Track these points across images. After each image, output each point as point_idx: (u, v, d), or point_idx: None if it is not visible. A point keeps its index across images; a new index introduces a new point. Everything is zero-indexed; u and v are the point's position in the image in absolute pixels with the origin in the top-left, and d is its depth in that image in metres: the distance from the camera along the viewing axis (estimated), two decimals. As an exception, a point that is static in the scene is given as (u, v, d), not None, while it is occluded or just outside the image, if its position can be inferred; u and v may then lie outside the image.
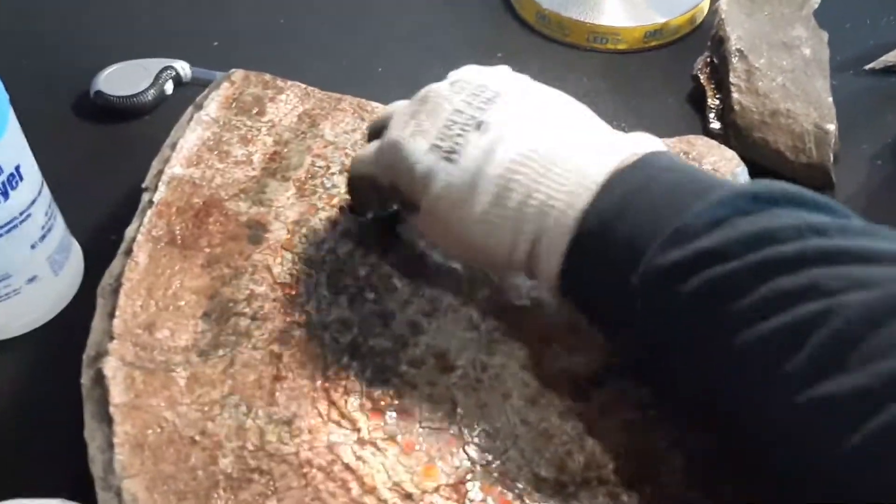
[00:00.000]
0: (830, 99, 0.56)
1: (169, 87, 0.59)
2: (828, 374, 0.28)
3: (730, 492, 0.36)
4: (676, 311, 0.32)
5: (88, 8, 0.67)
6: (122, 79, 0.59)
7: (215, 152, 0.48)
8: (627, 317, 0.34)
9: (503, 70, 0.41)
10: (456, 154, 0.37)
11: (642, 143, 0.37)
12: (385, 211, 0.45)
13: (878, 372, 0.27)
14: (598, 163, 0.36)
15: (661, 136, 0.52)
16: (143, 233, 0.44)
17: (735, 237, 0.31)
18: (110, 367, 0.38)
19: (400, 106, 0.42)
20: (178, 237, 0.44)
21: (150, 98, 0.58)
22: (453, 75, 0.41)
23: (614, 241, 0.34)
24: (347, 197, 0.46)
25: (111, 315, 0.40)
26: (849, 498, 0.27)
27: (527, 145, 0.36)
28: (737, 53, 0.57)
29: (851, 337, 0.28)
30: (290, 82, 0.53)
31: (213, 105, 0.50)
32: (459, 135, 0.37)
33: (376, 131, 0.43)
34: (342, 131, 0.51)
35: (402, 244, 0.45)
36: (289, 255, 0.44)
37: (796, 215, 0.32)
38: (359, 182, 0.43)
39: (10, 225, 0.42)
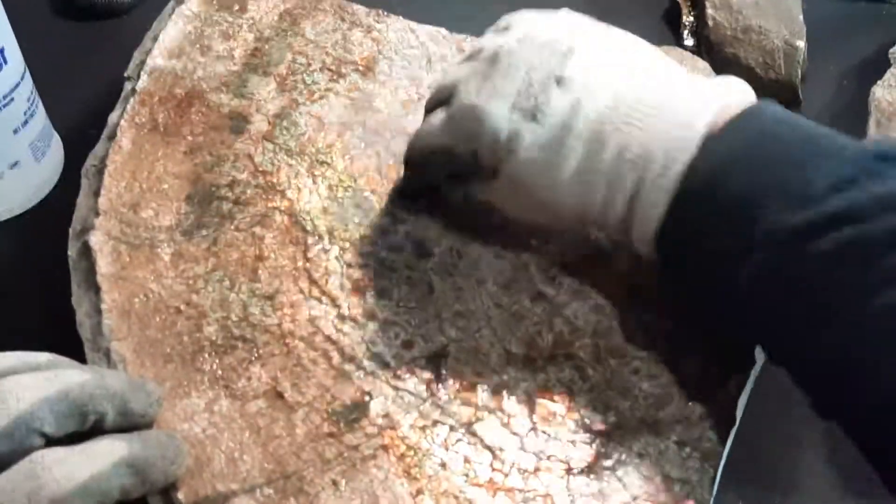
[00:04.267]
0: (801, 17, 0.57)
1: (147, -12, 0.59)
2: None
3: (693, 364, 0.38)
4: (804, 271, 0.31)
5: None
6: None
7: (196, 46, 0.49)
8: (734, 277, 0.33)
9: (565, 15, 0.39)
10: (540, 113, 0.36)
11: (734, 90, 0.36)
12: (436, 192, 0.42)
13: None
14: (696, 113, 0.34)
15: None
16: (126, 119, 0.44)
17: (866, 199, 0.31)
18: (96, 239, 0.39)
19: (463, 71, 0.39)
20: (161, 125, 0.45)
21: (127, -1, 0.58)
22: (514, 26, 0.39)
23: (725, 199, 0.33)
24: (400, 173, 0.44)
25: (96, 194, 0.41)
26: None
27: (614, 97, 0.35)
28: (712, -30, 0.58)
29: None
30: (271, -19, 0.53)
31: (194, 0, 0.51)
32: (541, 92, 0.36)
33: (438, 102, 0.40)
34: (323, 31, 0.51)
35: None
36: (270, 146, 0.45)
37: None
38: (428, 156, 0.40)
39: (-6, 108, 0.43)
